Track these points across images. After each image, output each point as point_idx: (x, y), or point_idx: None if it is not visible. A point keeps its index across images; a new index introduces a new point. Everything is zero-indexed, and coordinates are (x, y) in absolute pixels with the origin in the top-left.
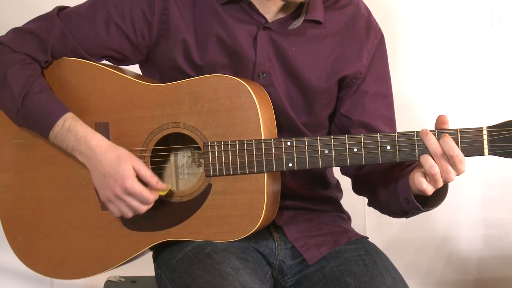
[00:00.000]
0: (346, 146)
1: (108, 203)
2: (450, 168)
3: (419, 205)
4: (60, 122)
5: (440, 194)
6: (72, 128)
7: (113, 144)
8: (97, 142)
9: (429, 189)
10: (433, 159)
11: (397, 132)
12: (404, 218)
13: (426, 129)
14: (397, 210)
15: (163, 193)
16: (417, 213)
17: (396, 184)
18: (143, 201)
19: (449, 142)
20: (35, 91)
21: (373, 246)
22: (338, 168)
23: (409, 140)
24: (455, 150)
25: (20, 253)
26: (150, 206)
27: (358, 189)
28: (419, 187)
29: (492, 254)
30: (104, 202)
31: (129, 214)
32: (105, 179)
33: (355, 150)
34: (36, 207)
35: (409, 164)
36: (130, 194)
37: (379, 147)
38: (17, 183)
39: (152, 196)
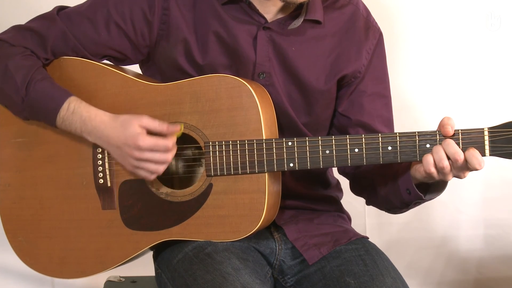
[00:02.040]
0: (347, 146)
1: (136, 170)
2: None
3: (421, 194)
4: (65, 105)
5: (441, 183)
6: (77, 110)
7: (114, 115)
8: (101, 118)
9: (436, 174)
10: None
11: (398, 133)
12: (403, 218)
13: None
14: (397, 202)
15: (179, 134)
16: (419, 203)
17: (396, 176)
18: (163, 150)
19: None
20: (37, 78)
21: (373, 246)
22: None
23: (410, 141)
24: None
25: (21, 252)
26: (174, 152)
27: (356, 188)
28: (427, 170)
29: (492, 254)
30: (133, 172)
31: (159, 169)
32: (120, 149)
33: (356, 150)
34: (37, 207)
35: None
36: (148, 149)
37: (380, 148)
38: (17, 182)
39: (168, 141)
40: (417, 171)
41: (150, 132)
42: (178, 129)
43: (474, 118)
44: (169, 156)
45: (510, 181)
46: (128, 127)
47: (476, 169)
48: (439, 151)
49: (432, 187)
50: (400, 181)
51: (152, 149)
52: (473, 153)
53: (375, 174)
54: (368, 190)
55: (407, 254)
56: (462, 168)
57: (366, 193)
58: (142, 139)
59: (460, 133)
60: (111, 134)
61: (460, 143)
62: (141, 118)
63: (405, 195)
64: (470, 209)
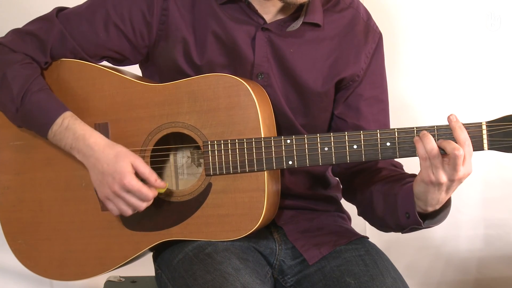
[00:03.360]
0: (346, 143)
1: (107, 201)
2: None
3: (420, 220)
4: (58, 121)
5: (441, 214)
6: (71, 127)
7: (112, 142)
8: (95, 140)
9: (443, 178)
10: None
11: (397, 128)
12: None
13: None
14: (392, 224)
15: (162, 191)
16: (415, 229)
17: (395, 198)
18: (142, 198)
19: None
20: (33, 90)
21: (373, 246)
22: None
23: (409, 136)
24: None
25: (21, 255)
26: (150, 203)
27: (349, 196)
28: (436, 174)
29: (492, 254)
30: (103, 201)
31: (128, 212)
32: (103, 177)
33: (354, 147)
34: (36, 209)
35: (410, 180)
36: (129, 191)
37: (379, 144)
38: (16, 185)
39: (151, 193)
40: (417, 181)
41: (138, 175)
42: (164, 186)
43: (474, 119)
44: (143, 206)
45: (510, 181)
46: (121, 160)
47: (456, 156)
48: (450, 142)
49: (432, 215)
50: (400, 204)
51: (132, 192)
52: (448, 142)
53: (375, 191)
54: (364, 207)
55: (407, 254)
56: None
57: (361, 208)
58: (129, 179)
59: None
60: (101, 159)
61: None
62: (136, 158)
63: (403, 219)
64: (470, 209)
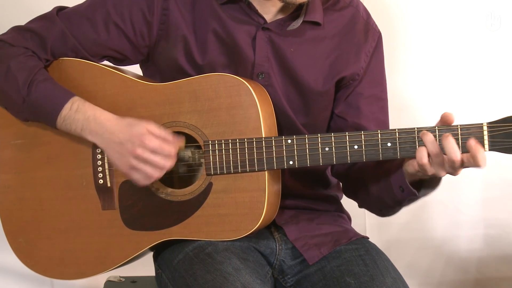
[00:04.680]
0: (346, 143)
1: (131, 172)
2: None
3: (414, 190)
4: (68, 105)
5: (434, 179)
6: (81, 108)
7: (120, 116)
8: (106, 116)
9: (428, 166)
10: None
11: (398, 129)
12: (404, 218)
13: (425, 131)
14: (390, 201)
15: (182, 147)
16: (413, 200)
17: (388, 175)
18: (165, 155)
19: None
20: (39, 79)
21: (373, 246)
22: None
23: (410, 137)
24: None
25: (21, 254)
26: (174, 161)
27: (349, 189)
28: (420, 161)
29: (492, 254)
30: (127, 173)
31: (155, 174)
32: (122, 146)
33: (355, 147)
34: (37, 208)
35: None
36: (152, 150)
37: (380, 144)
38: (17, 183)
39: (173, 148)
40: (410, 165)
41: None
42: (181, 141)
43: (474, 119)
44: (168, 163)
45: (510, 181)
46: (135, 126)
47: (453, 160)
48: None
49: (426, 183)
50: (392, 179)
51: (155, 151)
52: (450, 141)
53: (368, 174)
54: (361, 191)
55: (407, 254)
56: (443, 164)
57: (359, 195)
58: (149, 138)
59: (459, 128)
60: (116, 131)
61: (459, 138)
62: (148, 122)
63: (398, 193)
64: (470, 209)
